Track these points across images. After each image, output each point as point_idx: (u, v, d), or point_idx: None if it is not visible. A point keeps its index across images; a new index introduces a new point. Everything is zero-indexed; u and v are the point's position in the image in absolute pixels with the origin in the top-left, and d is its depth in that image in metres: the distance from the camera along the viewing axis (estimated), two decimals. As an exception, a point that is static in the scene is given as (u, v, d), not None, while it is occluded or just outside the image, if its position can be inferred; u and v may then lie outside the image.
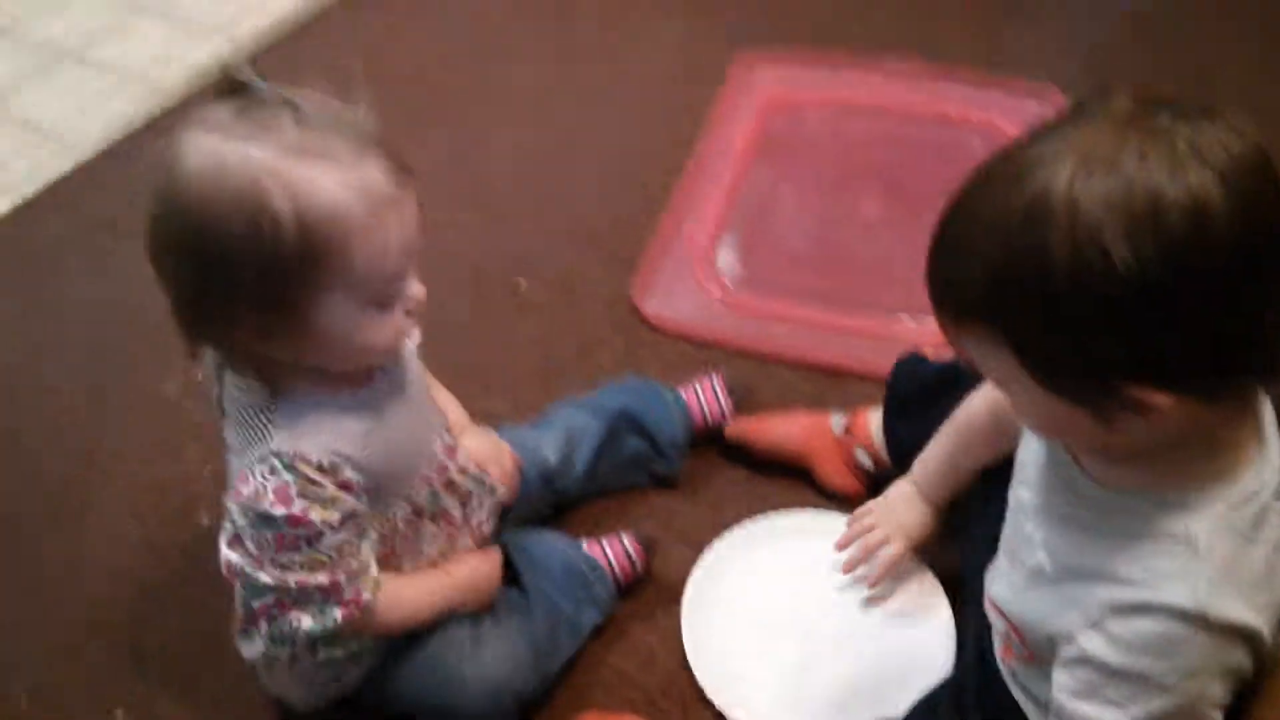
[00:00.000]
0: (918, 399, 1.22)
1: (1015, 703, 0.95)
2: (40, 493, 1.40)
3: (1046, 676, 0.86)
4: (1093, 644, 0.78)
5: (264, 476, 0.93)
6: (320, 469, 0.94)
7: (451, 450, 1.09)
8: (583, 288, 1.59)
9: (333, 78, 2.06)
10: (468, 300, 1.58)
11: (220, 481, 1.31)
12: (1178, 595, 0.74)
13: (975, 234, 0.73)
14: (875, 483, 1.28)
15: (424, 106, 1.89)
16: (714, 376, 1.36)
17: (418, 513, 1.06)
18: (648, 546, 1.24)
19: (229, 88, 0.88)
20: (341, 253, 0.86)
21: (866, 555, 1.19)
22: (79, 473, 1.41)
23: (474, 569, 1.12)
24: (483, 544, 1.15)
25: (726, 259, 1.61)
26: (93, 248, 1.71)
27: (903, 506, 1.18)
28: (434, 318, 1.53)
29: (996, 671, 0.97)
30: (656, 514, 1.31)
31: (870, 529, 1.19)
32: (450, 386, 1.47)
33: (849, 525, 1.21)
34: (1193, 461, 0.77)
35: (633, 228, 1.66)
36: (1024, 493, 0.90)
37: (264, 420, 0.95)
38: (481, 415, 1.36)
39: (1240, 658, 0.76)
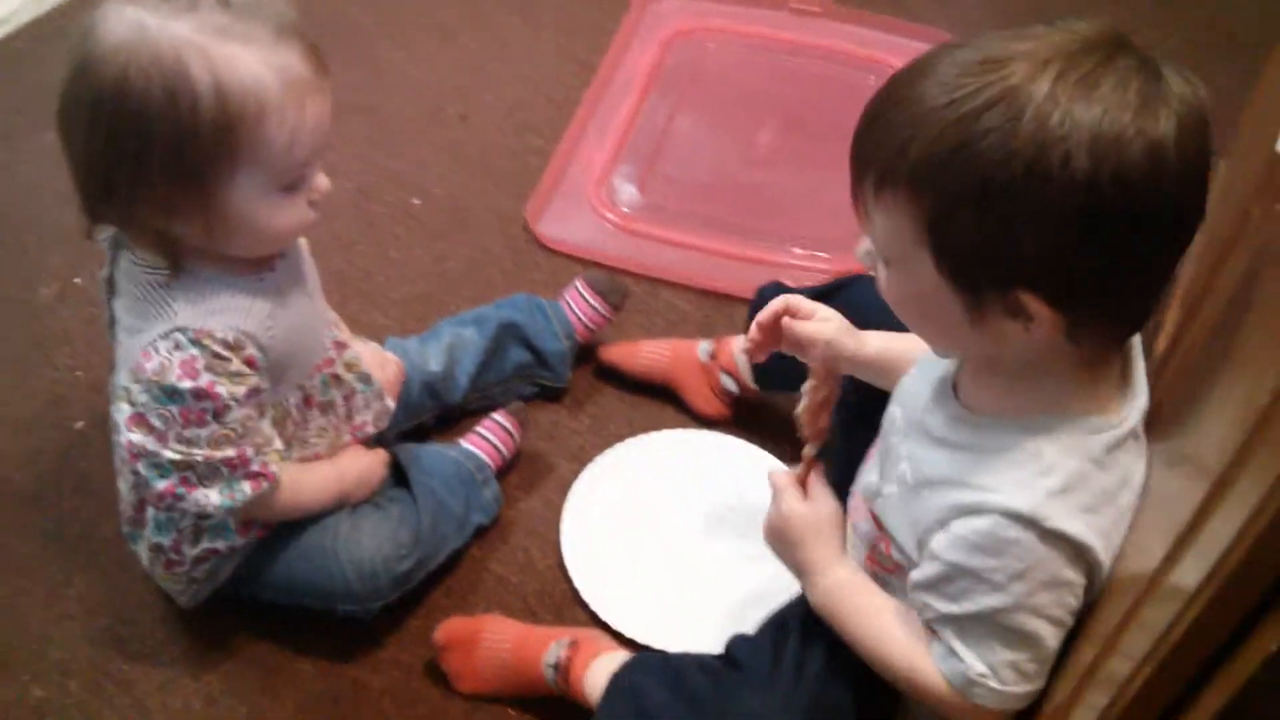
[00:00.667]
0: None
1: None
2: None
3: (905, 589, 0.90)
4: (937, 542, 0.82)
5: (169, 352, 0.93)
6: (226, 345, 0.94)
7: (340, 345, 1.10)
8: (476, 209, 1.58)
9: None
10: (358, 217, 1.56)
11: (95, 386, 1.29)
12: (1015, 500, 0.78)
13: (930, 108, 0.72)
14: (741, 406, 1.32)
15: (322, 28, 1.85)
16: (578, 282, 1.37)
17: (307, 401, 1.06)
18: (519, 416, 1.26)
19: None
20: (255, 129, 0.88)
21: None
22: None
23: (361, 462, 1.14)
24: (365, 445, 1.15)
25: (622, 185, 1.61)
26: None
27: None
28: (324, 232, 1.53)
29: None
30: (540, 427, 1.32)
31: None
32: (338, 301, 1.45)
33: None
34: (1055, 391, 0.80)
35: (530, 152, 1.65)
36: (896, 410, 0.93)
37: (165, 298, 0.95)
38: (369, 329, 1.35)
39: (1071, 574, 0.79)
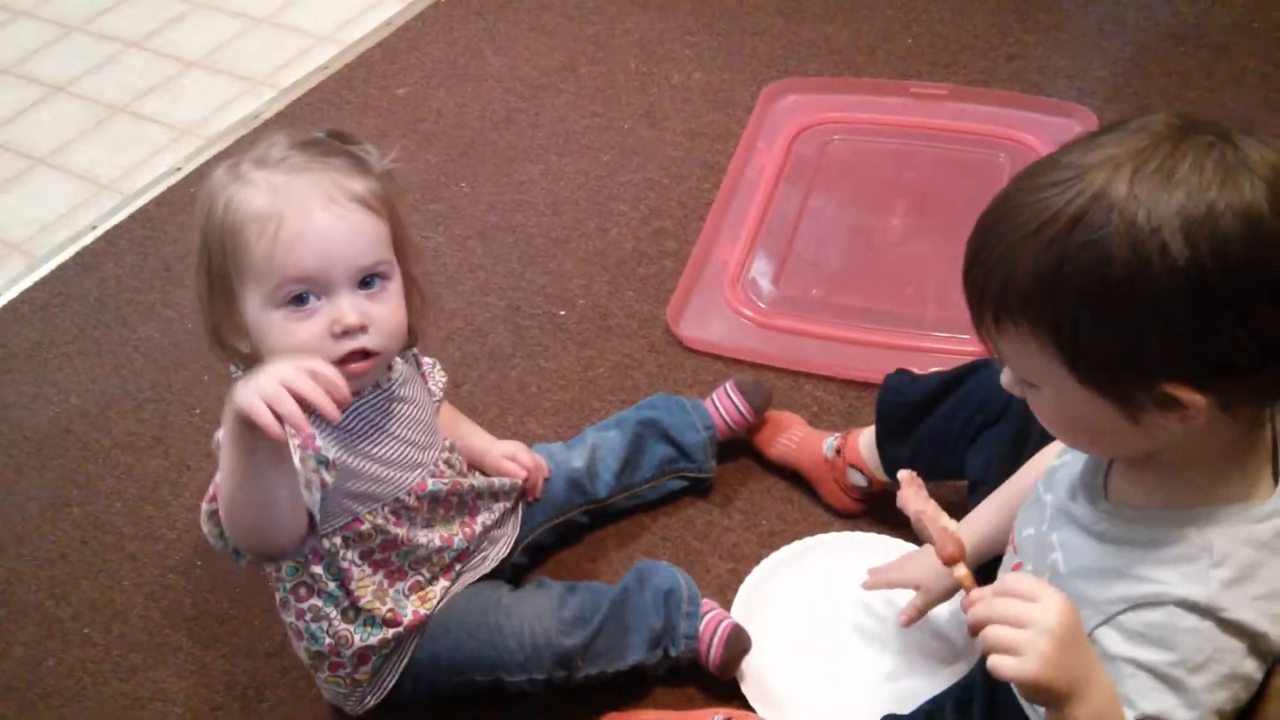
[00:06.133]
0: (908, 417, 1.23)
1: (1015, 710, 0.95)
2: (112, 531, 1.46)
3: None
4: (1106, 639, 0.80)
5: None
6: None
7: (447, 464, 1.17)
8: (619, 315, 1.64)
9: (365, 126, 2.11)
10: (509, 331, 1.63)
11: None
12: (1191, 591, 0.76)
13: (1021, 236, 0.75)
14: (872, 500, 1.31)
15: (464, 148, 1.96)
16: (728, 383, 1.40)
17: (408, 515, 1.12)
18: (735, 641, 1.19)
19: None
20: (238, 242, 0.99)
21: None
22: (147, 510, 1.48)
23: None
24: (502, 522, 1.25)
25: (758, 280, 1.65)
26: (151, 291, 1.79)
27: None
28: (480, 349, 1.60)
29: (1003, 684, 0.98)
30: (694, 526, 1.35)
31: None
32: (497, 413, 1.52)
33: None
34: (1209, 481, 0.80)
35: (666, 256, 1.71)
36: (1048, 498, 0.92)
37: None
38: (525, 439, 1.40)
39: (1250, 666, 0.77)
